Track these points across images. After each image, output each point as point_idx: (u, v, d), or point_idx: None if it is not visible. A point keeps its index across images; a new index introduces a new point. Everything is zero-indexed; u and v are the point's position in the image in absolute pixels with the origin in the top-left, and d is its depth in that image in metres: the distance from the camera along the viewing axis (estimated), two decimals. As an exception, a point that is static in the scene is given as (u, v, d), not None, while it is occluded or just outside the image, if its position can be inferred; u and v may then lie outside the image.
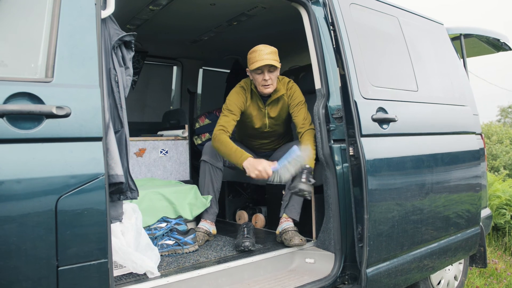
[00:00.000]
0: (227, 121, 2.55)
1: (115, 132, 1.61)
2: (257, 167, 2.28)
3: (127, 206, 1.86)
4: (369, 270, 2.09)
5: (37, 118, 1.31)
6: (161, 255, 2.18)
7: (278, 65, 2.54)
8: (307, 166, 2.26)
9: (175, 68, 4.44)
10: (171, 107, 4.51)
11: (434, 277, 2.85)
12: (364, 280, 2.08)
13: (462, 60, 3.46)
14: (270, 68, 2.52)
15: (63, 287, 1.33)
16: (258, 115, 2.70)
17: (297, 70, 3.74)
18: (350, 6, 2.34)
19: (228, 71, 4.40)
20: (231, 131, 2.55)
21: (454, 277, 3.04)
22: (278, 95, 2.64)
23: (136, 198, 1.70)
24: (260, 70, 2.52)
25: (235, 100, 2.62)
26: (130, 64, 1.74)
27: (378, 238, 2.12)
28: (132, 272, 1.89)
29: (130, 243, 1.79)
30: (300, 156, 2.24)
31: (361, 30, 2.36)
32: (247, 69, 2.61)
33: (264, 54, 2.49)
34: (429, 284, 2.78)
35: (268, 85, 2.55)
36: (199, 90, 4.66)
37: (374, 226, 2.08)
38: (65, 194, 1.33)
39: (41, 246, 1.29)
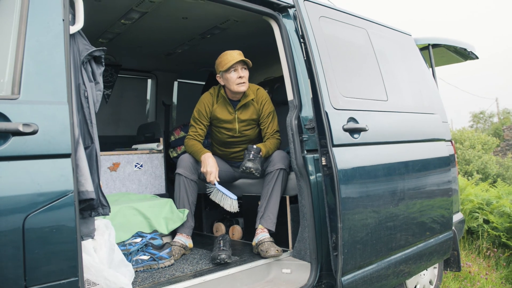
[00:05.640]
0: (194, 131, 2.80)
1: (85, 148, 1.59)
2: (206, 167, 2.55)
3: (100, 222, 1.83)
4: (345, 278, 2.11)
5: (2, 136, 1.29)
6: (136, 271, 2.15)
7: (250, 63, 2.68)
8: (254, 147, 2.56)
9: (149, 81, 4.43)
10: (147, 120, 4.48)
11: (410, 282, 2.89)
12: (340, 289, 2.09)
13: (431, 69, 3.57)
14: (244, 65, 2.67)
15: (32, 308, 1.30)
16: (228, 119, 2.78)
17: (272, 81, 3.77)
18: (319, 19, 2.40)
19: (203, 83, 4.41)
20: (199, 137, 2.78)
21: (429, 282, 3.09)
22: (247, 99, 2.74)
23: (108, 214, 1.68)
24: (234, 68, 2.64)
25: (200, 107, 2.82)
26: (100, 79, 1.73)
27: (353, 246, 2.14)
28: (105, 290, 1.86)
29: (103, 260, 1.76)
30: (232, 202, 2.56)
31: (331, 42, 2.41)
32: (217, 75, 2.72)
33: (235, 54, 2.67)
34: (405, 289, 2.83)
35: (244, 82, 2.67)
36: (174, 103, 4.65)
37: (348, 234, 2.11)
38: (33, 212, 1.31)
39: (8, 266, 1.26)
